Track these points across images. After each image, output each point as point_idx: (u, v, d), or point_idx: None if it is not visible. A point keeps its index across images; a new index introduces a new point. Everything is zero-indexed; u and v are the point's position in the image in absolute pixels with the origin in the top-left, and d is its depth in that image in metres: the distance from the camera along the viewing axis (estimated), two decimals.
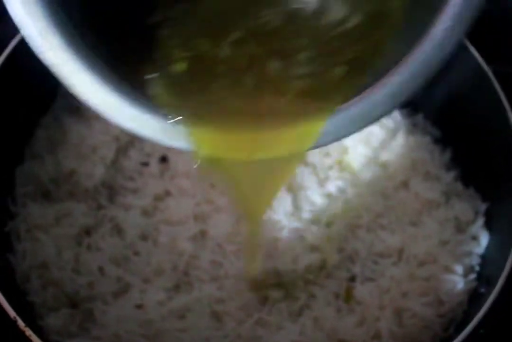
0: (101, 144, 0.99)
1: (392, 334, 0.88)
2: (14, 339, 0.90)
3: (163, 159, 1.01)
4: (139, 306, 0.90)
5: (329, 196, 0.98)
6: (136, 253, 0.95)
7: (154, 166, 1.00)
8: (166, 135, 0.61)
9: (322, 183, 0.99)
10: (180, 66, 0.65)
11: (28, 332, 0.77)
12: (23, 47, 0.90)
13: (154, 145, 1.01)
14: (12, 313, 0.77)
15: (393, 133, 1.03)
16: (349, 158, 1.01)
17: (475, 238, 0.96)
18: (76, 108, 1.03)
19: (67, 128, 1.01)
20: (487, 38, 0.99)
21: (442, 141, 1.05)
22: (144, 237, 0.96)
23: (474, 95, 0.98)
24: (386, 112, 0.61)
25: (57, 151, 0.99)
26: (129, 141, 1.02)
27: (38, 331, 0.79)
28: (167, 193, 0.98)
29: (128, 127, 0.60)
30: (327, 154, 1.02)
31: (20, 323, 0.77)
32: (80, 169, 0.98)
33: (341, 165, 1.01)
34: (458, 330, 0.83)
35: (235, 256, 0.93)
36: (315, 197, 0.97)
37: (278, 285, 0.93)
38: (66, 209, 0.96)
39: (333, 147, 1.02)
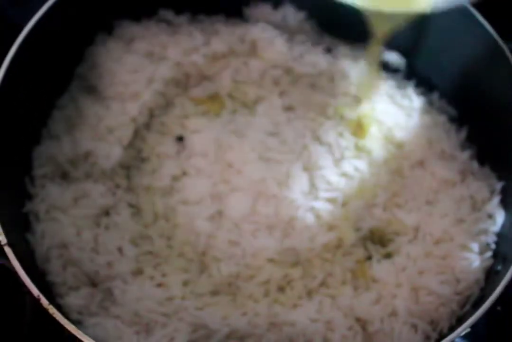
0: (118, 125, 1.00)
1: (409, 311, 0.89)
2: (36, 319, 0.92)
3: (180, 139, 1.01)
4: (158, 285, 0.91)
5: (345, 175, 0.99)
6: (155, 233, 0.96)
7: (171, 146, 1.01)
8: None
9: (337, 162, 1.00)
10: None
11: (52, 310, 0.78)
12: (39, 30, 0.92)
13: (170, 125, 1.02)
14: (35, 291, 0.78)
15: (408, 112, 1.03)
16: (364, 138, 1.02)
17: (490, 216, 0.96)
18: (93, 88, 1.03)
19: (84, 109, 1.01)
20: (504, 15, 0.98)
21: (458, 120, 1.05)
22: (162, 217, 0.97)
23: (490, 73, 0.98)
24: None
25: (74, 132, 1.00)
26: (145, 122, 1.02)
27: (59, 310, 0.80)
28: (184, 173, 0.99)
29: None
30: (342, 135, 1.02)
31: (44, 301, 0.78)
32: (97, 150, 0.98)
33: (357, 145, 1.02)
34: (475, 308, 0.84)
35: (252, 235, 0.94)
36: (331, 176, 0.98)
37: (296, 263, 0.94)
38: (84, 190, 0.96)
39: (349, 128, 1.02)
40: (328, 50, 1.09)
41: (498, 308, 0.84)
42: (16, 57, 0.89)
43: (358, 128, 1.03)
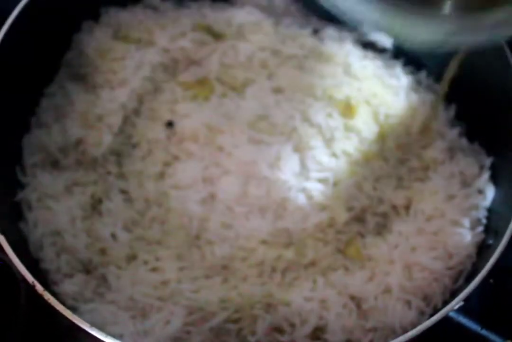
0: (107, 112, 1.00)
1: (403, 288, 0.90)
2: (31, 308, 0.92)
3: (170, 124, 1.01)
4: (152, 270, 0.92)
5: (335, 155, 0.99)
6: (147, 218, 0.96)
7: (161, 131, 1.00)
8: None
9: (328, 142, 1.00)
10: None
11: (47, 295, 0.78)
12: (26, 17, 0.92)
13: (160, 111, 1.02)
14: (30, 278, 0.79)
15: (396, 91, 1.04)
16: (353, 118, 1.02)
17: (481, 192, 0.97)
18: (81, 76, 1.04)
19: (73, 96, 1.02)
20: None
21: (446, 97, 1.05)
22: (154, 202, 0.97)
23: (479, 51, 0.97)
24: None
25: (63, 120, 1.00)
26: (135, 108, 1.02)
27: (54, 297, 0.81)
28: (175, 158, 0.99)
29: None
30: (331, 115, 1.02)
31: (39, 287, 0.78)
32: (88, 138, 0.99)
33: (346, 125, 1.02)
34: (468, 282, 0.84)
35: (245, 217, 0.94)
36: (322, 156, 0.98)
37: (289, 244, 0.94)
38: (75, 178, 0.97)
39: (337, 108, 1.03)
40: (315, 32, 1.09)
41: (491, 280, 0.85)
42: (2, 45, 0.89)
43: (347, 109, 1.03)
